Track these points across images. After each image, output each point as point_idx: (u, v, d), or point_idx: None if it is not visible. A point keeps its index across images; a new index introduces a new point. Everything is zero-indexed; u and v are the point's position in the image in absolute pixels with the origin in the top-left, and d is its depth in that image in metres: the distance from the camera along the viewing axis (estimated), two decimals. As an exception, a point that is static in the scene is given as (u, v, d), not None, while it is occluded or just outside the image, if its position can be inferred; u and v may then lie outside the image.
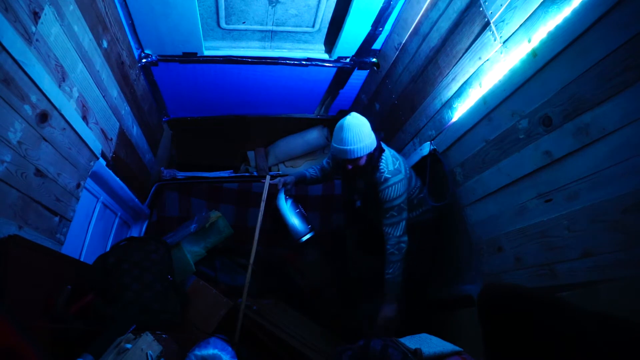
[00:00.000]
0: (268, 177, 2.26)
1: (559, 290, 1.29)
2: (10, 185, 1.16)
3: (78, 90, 1.55)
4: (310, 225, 2.17)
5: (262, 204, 2.18)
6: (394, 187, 1.85)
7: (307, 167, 2.02)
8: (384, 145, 1.95)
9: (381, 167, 1.87)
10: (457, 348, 1.29)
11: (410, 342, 1.28)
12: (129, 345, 1.35)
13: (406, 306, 1.94)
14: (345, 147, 1.80)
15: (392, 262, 1.84)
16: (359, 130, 1.79)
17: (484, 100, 1.62)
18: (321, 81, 2.90)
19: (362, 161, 1.84)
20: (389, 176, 1.85)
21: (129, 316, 1.54)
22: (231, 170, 3.20)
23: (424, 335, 1.39)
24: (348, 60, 2.58)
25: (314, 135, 3.41)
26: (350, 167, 1.85)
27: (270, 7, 2.16)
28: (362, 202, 2.03)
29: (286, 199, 2.15)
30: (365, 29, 2.27)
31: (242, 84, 2.88)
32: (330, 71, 2.75)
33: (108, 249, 2.12)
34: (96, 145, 1.70)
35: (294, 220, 2.11)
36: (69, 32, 1.43)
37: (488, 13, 1.56)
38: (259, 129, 3.47)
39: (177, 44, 2.30)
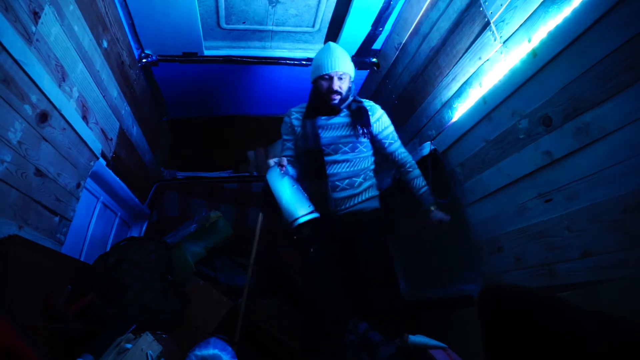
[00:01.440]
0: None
1: (559, 290, 1.29)
2: (10, 185, 1.16)
3: (78, 90, 1.55)
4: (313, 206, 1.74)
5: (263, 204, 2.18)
6: (383, 114, 1.90)
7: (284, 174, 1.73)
8: None
9: (364, 100, 1.90)
10: (442, 344, 1.37)
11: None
12: (129, 345, 1.35)
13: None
14: (335, 57, 1.78)
15: (416, 176, 1.86)
16: (344, 52, 1.84)
17: (484, 100, 1.62)
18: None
19: (345, 85, 1.81)
20: (375, 105, 1.91)
21: (129, 316, 1.55)
22: (231, 170, 3.20)
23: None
24: (348, 60, 2.58)
25: (314, 135, 3.41)
26: (333, 88, 1.77)
27: (270, 7, 2.16)
28: (341, 151, 1.83)
29: (282, 176, 1.76)
30: (365, 29, 2.27)
31: (242, 84, 2.88)
32: (330, 71, 2.75)
33: (108, 249, 2.12)
34: (96, 145, 1.70)
35: (291, 197, 1.66)
36: (69, 32, 1.43)
37: (488, 13, 1.56)
38: (259, 129, 3.47)
39: (177, 44, 2.30)
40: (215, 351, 1.60)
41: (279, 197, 1.66)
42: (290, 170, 1.80)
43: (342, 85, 1.79)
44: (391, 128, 1.90)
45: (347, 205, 1.81)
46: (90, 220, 2.04)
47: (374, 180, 1.92)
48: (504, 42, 1.50)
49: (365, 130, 1.81)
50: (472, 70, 1.72)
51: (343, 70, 1.79)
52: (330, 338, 1.64)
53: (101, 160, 1.78)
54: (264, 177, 1.76)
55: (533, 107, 1.37)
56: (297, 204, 1.64)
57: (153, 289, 1.71)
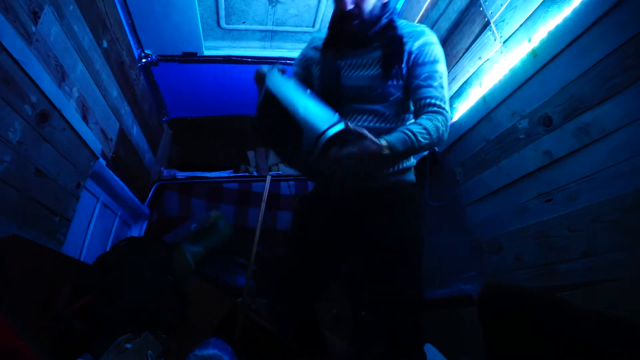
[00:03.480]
0: (268, 177, 2.25)
1: (559, 290, 1.29)
2: (10, 185, 1.16)
3: (78, 90, 1.55)
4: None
5: (263, 204, 2.18)
6: (436, 46, 1.27)
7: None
8: None
9: (400, 21, 1.30)
10: None
11: None
12: (129, 345, 1.35)
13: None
14: None
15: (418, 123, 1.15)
16: None
17: (484, 100, 1.62)
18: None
19: (368, 2, 1.24)
20: (425, 29, 1.29)
21: (129, 316, 1.54)
22: (231, 170, 3.20)
23: (428, 347, 1.38)
24: (348, 60, 2.57)
25: (314, 135, 3.41)
26: (345, 7, 1.22)
27: (270, 7, 2.16)
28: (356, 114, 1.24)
29: (288, 79, 1.24)
30: (365, 28, 2.26)
31: (242, 84, 2.88)
32: (330, 71, 2.75)
33: (108, 249, 2.12)
34: (96, 145, 1.70)
35: (310, 105, 1.13)
36: (69, 32, 1.43)
37: (488, 13, 1.56)
38: (259, 129, 3.47)
39: (177, 43, 2.30)
40: (215, 351, 1.61)
41: (292, 106, 1.11)
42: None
43: (359, 2, 1.23)
44: (434, 67, 1.23)
45: (376, 175, 1.26)
46: (90, 220, 2.04)
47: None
48: (504, 42, 1.50)
49: (396, 71, 1.23)
50: (472, 70, 1.72)
51: None
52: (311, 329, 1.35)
53: (101, 160, 1.78)
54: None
55: (533, 107, 1.37)
56: (319, 113, 1.11)
57: (153, 289, 1.70)
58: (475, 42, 1.67)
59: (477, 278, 1.82)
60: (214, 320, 1.92)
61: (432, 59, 1.24)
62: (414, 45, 1.24)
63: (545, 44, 1.29)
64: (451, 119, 1.91)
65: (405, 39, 1.25)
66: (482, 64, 1.64)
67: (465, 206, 1.84)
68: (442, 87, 1.21)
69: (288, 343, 1.86)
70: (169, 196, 2.90)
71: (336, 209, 1.28)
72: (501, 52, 1.52)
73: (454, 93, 1.87)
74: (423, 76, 1.21)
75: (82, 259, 1.87)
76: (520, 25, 1.41)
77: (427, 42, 1.26)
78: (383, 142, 1.06)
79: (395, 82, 1.24)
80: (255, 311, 2.01)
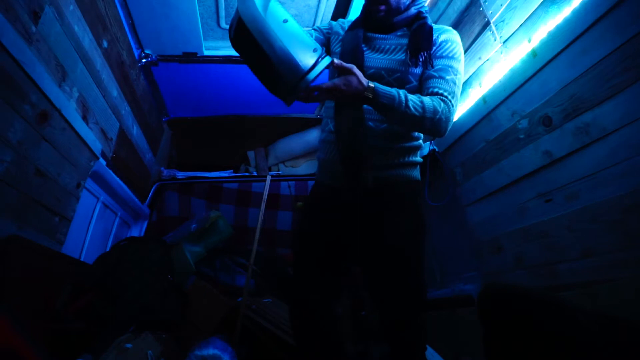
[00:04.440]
0: (268, 177, 2.26)
1: (559, 290, 1.29)
2: (10, 185, 1.16)
3: (78, 90, 1.55)
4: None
5: (263, 204, 2.18)
6: (458, 45, 1.26)
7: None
8: None
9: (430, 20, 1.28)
10: None
11: None
12: (129, 345, 1.35)
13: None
14: None
15: (424, 106, 1.11)
16: None
17: (484, 100, 1.62)
18: (321, 81, 2.90)
19: None
20: (453, 29, 1.30)
21: (129, 316, 1.55)
22: (231, 170, 3.20)
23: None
24: (348, 60, 2.57)
25: (313, 135, 3.41)
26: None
27: (270, 7, 2.16)
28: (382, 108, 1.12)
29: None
30: (365, 29, 2.27)
31: (242, 84, 2.88)
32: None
33: (108, 249, 2.12)
34: (96, 145, 1.70)
35: (290, 36, 0.98)
36: (69, 32, 1.43)
37: (488, 13, 1.56)
38: (259, 129, 3.47)
39: (177, 44, 2.30)
40: (215, 351, 1.61)
41: (268, 38, 0.95)
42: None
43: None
44: (451, 62, 1.22)
45: (380, 163, 1.23)
46: (90, 220, 2.04)
47: (421, 141, 1.33)
48: (504, 42, 1.50)
49: (424, 57, 1.21)
50: (472, 70, 1.72)
51: None
52: (319, 328, 1.26)
53: (101, 160, 1.78)
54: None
55: (533, 107, 1.37)
56: (299, 45, 0.97)
57: (153, 289, 1.71)
58: (475, 42, 1.67)
59: (477, 278, 1.82)
60: (214, 320, 1.92)
61: (451, 54, 1.23)
62: (439, 38, 1.25)
63: (545, 44, 1.29)
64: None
65: (434, 32, 1.25)
66: (482, 64, 1.65)
67: (465, 206, 1.84)
68: (454, 83, 1.19)
69: (288, 343, 1.86)
70: (169, 196, 2.90)
71: (342, 206, 1.26)
72: (501, 52, 1.53)
73: (454, 93, 1.87)
74: (437, 67, 1.21)
75: (82, 259, 1.87)
76: (520, 26, 1.41)
77: (450, 38, 1.26)
78: (370, 85, 1.07)
79: (416, 70, 1.23)
80: (255, 311, 2.01)
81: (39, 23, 1.22)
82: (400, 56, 1.24)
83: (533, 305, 0.94)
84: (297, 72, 0.96)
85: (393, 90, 1.09)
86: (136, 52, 2.29)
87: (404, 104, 1.08)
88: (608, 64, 1.09)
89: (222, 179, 3.04)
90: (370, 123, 1.22)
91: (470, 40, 1.69)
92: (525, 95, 1.41)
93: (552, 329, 0.87)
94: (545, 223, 1.37)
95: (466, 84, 1.77)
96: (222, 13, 2.16)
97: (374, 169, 1.19)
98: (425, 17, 1.27)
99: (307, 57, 0.97)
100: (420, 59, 1.21)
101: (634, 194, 1.05)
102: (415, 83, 1.24)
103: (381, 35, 1.29)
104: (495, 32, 1.54)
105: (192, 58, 2.43)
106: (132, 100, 2.27)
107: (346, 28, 1.36)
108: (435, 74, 1.20)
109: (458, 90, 1.21)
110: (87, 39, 1.59)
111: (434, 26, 1.27)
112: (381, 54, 1.27)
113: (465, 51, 1.74)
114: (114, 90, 1.96)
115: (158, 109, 2.99)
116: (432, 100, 1.13)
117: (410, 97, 1.10)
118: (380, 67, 1.24)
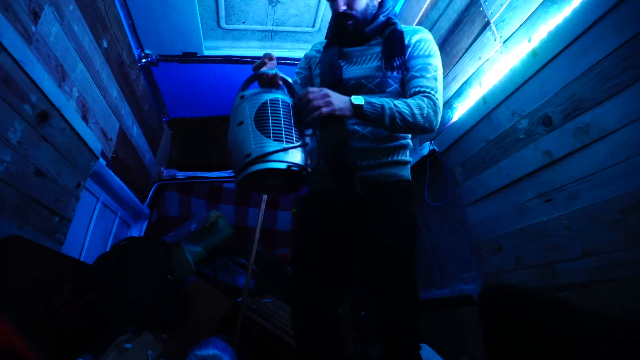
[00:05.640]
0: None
1: (559, 290, 1.29)
2: (10, 185, 1.16)
3: (78, 90, 1.55)
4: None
5: (263, 204, 2.18)
6: (431, 43, 1.29)
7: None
8: None
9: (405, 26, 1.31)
10: None
11: None
12: (129, 345, 1.35)
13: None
14: None
15: (408, 109, 1.14)
16: None
17: (484, 100, 1.62)
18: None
19: (361, 1, 1.28)
20: (423, 28, 1.33)
21: (129, 316, 1.55)
22: (231, 170, 3.20)
23: (425, 347, 1.36)
24: (348, 60, 2.57)
25: (313, 135, 3.41)
26: (339, 9, 1.27)
27: (270, 7, 2.16)
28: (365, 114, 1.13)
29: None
30: (365, 28, 2.27)
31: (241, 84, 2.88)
32: (330, 71, 2.75)
33: (108, 249, 2.13)
34: (96, 145, 1.70)
35: (234, 137, 1.07)
36: (69, 32, 1.43)
37: (488, 13, 1.56)
38: (259, 129, 3.47)
39: (177, 43, 2.30)
40: (215, 351, 1.61)
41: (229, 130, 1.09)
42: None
43: (352, 3, 1.27)
44: (428, 60, 1.25)
45: (368, 163, 1.24)
46: (90, 220, 2.04)
47: (409, 140, 1.33)
48: (504, 42, 1.50)
49: (399, 62, 1.24)
50: (472, 70, 1.72)
51: None
52: (320, 333, 1.24)
53: (101, 160, 1.78)
54: None
55: (533, 107, 1.37)
56: (239, 147, 1.03)
57: (153, 289, 1.71)
58: (475, 42, 1.67)
59: (477, 278, 1.82)
60: (214, 320, 1.92)
61: (427, 53, 1.27)
62: (412, 39, 1.28)
63: (545, 44, 1.29)
64: (451, 118, 1.91)
65: (404, 34, 1.29)
66: (482, 64, 1.65)
67: (465, 206, 1.84)
68: (435, 79, 1.23)
69: (288, 343, 1.86)
70: (169, 196, 2.90)
71: (338, 206, 1.26)
72: (501, 52, 1.53)
73: (454, 93, 1.87)
74: (416, 68, 1.25)
75: (82, 259, 1.87)
76: (520, 25, 1.41)
77: (423, 38, 1.30)
78: (356, 103, 1.11)
79: (394, 74, 1.26)
80: (255, 311, 2.01)
81: (38, 23, 1.22)
82: (377, 63, 1.28)
83: (533, 305, 0.94)
84: (234, 168, 1.06)
85: (377, 103, 1.13)
86: (136, 52, 2.29)
87: (393, 106, 1.13)
88: (608, 64, 1.09)
89: (222, 179, 3.04)
90: (355, 126, 1.24)
91: (470, 40, 1.69)
92: (525, 95, 1.41)
93: (552, 329, 0.87)
94: (545, 223, 1.37)
95: (466, 84, 1.77)
96: (222, 13, 2.16)
97: (361, 170, 1.22)
98: (395, 23, 1.31)
99: (239, 161, 1.03)
100: (395, 64, 1.25)
101: (634, 194, 1.05)
102: (395, 86, 1.27)
103: (356, 48, 1.33)
104: (495, 32, 1.54)
105: (192, 58, 2.43)
106: (132, 100, 2.27)
107: (320, 49, 1.40)
108: (416, 74, 1.24)
109: (440, 85, 1.25)
110: (87, 39, 1.59)
111: (405, 29, 1.31)
112: (359, 65, 1.31)
113: (466, 51, 1.74)
114: (114, 90, 1.96)
115: (158, 109, 2.99)
116: (415, 99, 1.17)
117: (396, 101, 1.14)
118: (359, 77, 1.28)
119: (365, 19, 1.30)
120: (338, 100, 1.09)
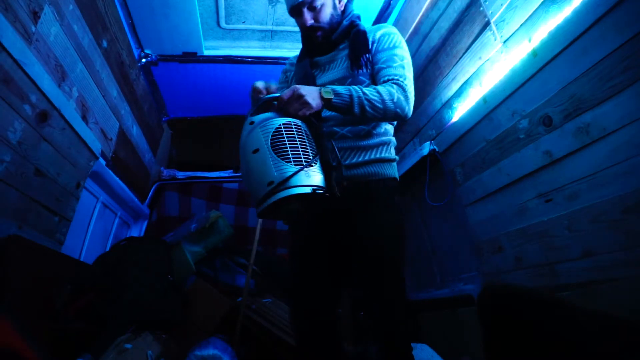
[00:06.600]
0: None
1: (559, 290, 1.29)
2: (10, 185, 1.16)
3: (78, 90, 1.55)
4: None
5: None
6: (396, 35, 1.33)
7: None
8: None
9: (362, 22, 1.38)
10: None
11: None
12: (129, 345, 1.35)
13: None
14: None
15: (378, 95, 1.16)
16: None
17: (484, 100, 1.62)
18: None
19: (325, 12, 1.32)
20: (387, 24, 1.38)
21: (129, 316, 1.55)
22: (231, 170, 3.21)
23: (424, 347, 1.36)
24: (348, 59, 2.57)
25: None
26: (306, 24, 1.31)
27: (270, 6, 2.16)
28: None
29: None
30: (365, 28, 2.27)
31: (242, 84, 2.88)
32: (330, 71, 2.75)
33: (108, 249, 2.12)
34: (96, 145, 1.70)
35: (252, 166, 1.05)
36: (69, 32, 1.43)
37: (488, 13, 1.56)
38: (259, 128, 3.47)
39: (177, 43, 2.30)
40: (215, 351, 1.61)
41: (243, 163, 1.09)
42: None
43: (317, 16, 1.32)
44: (393, 51, 1.28)
45: (352, 161, 1.24)
46: (90, 220, 2.04)
47: (390, 137, 1.34)
48: (504, 42, 1.50)
49: (365, 59, 1.28)
50: (472, 70, 1.72)
51: None
52: (320, 334, 1.25)
53: (101, 160, 1.78)
54: None
55: (533, 107, 1.37)
56: (257, 177, 1.02)
57: (153, 289, 1.71)
58: (476, 42, 1.67)
59: (477, 278, 1.82)
60: (214, 320, 1.92)
61: (391, 45, 1.30)
62: (376, 35, 1.33)
63: (545, 43, 1.29)
64: (451, 118, 1.91)
65: (368, 33, 1.33)
66: (482, 63, 1.64)
67: (465, 206, 1.84)
68: (402, 67, 1.26)
69: (288, 343, 1.86)
70: (168, 196, 2.90)
71: (328, 210, 1.23)
72: (501, 52, 1.52)
73: (454, 93, 1.87)
74: (382, 60, 1.28)
75: (82, 259, 1.87)
76: (521, 25, 1.41)
77: (387, 32, 1.34)
78: (324, 90, 1.13)
79: (365, 71, 1.29)
80: (255, 311, 2.01)
81: (38, 23, 1.22)
82: (347, 64, 1.32)
83: (533, 305, 0.94)
84: (253, 197, 1.05)
85: (346, 93, 1.15)
86: (136, 52, 2.29)
87: (362, 94, 1.14)
88: (608, 64, 1.09)
89: (222, 179, 3.04)
90: (334, 128, 1.26)
91: (471, 40, 1.69)
92: (525, 95, 1.41)
93: (552, 329, 0.87)
94: (545, 223, 1.37)
95: (466, 83, 1.77)
96: (222, 13, 2.16)
97: (344, 169, 1.20)
98: (357, 25, 1.36)
99: (259, 189, 1.01)
100: (362, 62, 1.28)
101: (634, 194, 1.05)
102: (367, 82, 1.30)
103: (326, 56, 1.38)
104: (495, 31, 1.54)
105: (192, 58, 2.43)
106: (132, 100, 2.27)
107: (295, 60, 1.48)
108: (383, 65, 1.27)
109: (409, 73, 1.27)
110: (86, 38, 1.58)
111: (369, 28, 1.36)
112: (330, 71, 1.36)
113: (466, 51, 1.74)
114: (114, 90, 1.96)
115: (158, 109, 2.99)
116: (385, 86, 1.19)
117: (365, 89, 1.16)
118: (332, 80, 1.32)
119: (332, 27, 1.35)
120: (311, 97, 1.11)
